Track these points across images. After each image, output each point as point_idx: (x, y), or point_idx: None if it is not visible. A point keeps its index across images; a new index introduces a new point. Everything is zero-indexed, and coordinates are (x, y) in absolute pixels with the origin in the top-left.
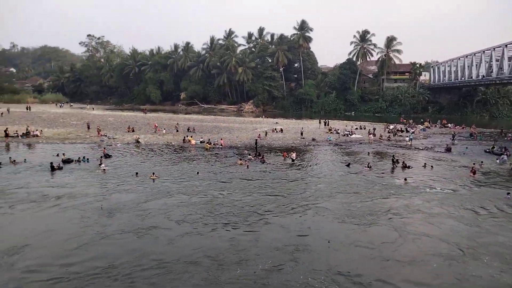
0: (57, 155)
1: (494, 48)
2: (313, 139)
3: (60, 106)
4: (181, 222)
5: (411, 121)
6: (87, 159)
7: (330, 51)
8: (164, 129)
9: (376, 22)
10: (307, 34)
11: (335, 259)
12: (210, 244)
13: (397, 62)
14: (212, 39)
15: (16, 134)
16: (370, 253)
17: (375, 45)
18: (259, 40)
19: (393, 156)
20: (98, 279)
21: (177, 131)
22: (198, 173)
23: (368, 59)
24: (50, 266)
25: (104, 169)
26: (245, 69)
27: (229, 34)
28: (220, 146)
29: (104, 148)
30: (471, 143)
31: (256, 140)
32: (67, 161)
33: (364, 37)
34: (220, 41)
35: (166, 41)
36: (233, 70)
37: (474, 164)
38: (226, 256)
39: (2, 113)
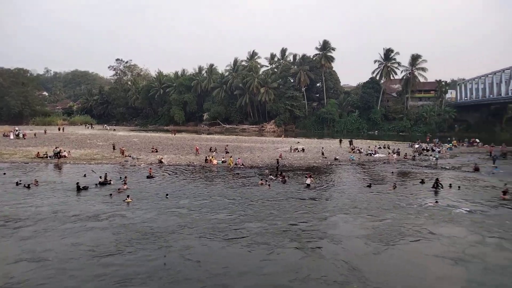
0: (84, 175)
1: None
2: (336, 159)
3: (88, 127)
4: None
5: (435, 140)
6: (120, 177)
7: (352, 70)
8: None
9: (400, 41)
10: (329, 53)
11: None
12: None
13: (422, 80)
14: (235, 61)
15: (45, 155)
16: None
17: (399, 63)
18: (282, 60)
19: (436, 179)
20: None
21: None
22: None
23: (392, 78)
24: None
25: (119, 189)
26: (267, 90)
27: (252, 55)
28: (241, 166)
29: (150, 168)
30: (500, 163)
31: (278, 159)
32: (104, 183)
33: (388, 55)
34: (243, 63)
35: (190, 64)
36: (255, 90)
37: (506, 184)
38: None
39: (35, 134)
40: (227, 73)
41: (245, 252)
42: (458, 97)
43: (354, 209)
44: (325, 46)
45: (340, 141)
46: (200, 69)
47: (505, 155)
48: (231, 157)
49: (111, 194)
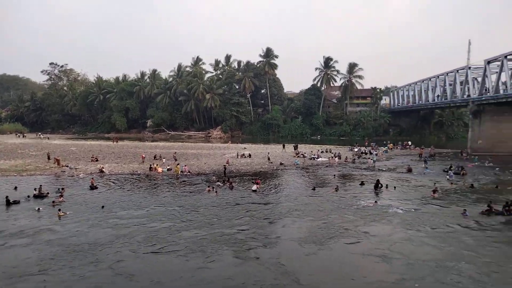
0: (15, 188)
1: (447, 73)
2: (281, 163)
3: (20, 136)
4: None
5: (373, 143)
6: (58, 188)
7: (295, 77)
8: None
9: (339, 50)
10: (272, 61)
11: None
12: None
13: (359, 87)
14: (179, 66)
15: None
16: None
17: (338, 71)
18: (226, 67)
19: (377, 180)
20: None
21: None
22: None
23: (332, 85)
24: None
25: (53, 202)
26: (212, 96)
27: (197, 61)
28: (187, 173)
29: (93, 178)
30: (430, 163)
31: (225, 166)
32: (39, 196)
33: (327, 63)
34: (188, 68)
35: (132, 69)
36: (200, 96)
37: (435, 183)
38: None
39: None
40: (171, 79)
41: (180, 262)
42: (392, 103)
43: (297, 212)
44: (268, 54)
45: (283, 146)
46: (143, 74)
47: (434, 156)
48: (178, 164)
49: (38, 209)
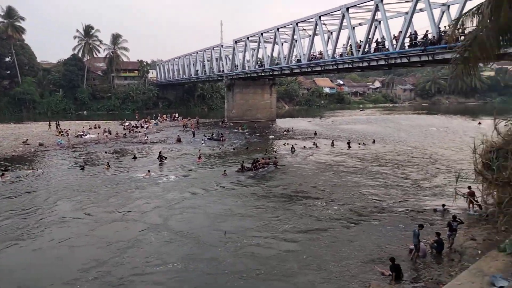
0: None
1: (204, 50)
2: (41, 144)
3: None
4: None
5: (148, 117)
6: None
7: (52, 45)
8: None
9: (101, 18)
10: (17, 23)
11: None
12: None
13: (125, 59)
14: None
15: None
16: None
17: (101, 41)
18: None
19: (160, 152)
20: None
21: None
22: None
23: (95, 56)
24: None
25: None
26: None
27: None
28: None
29: None
30: (196, 132)
31: None
32: None
33: (88, 32)
34: None
35: None
36: None
37: (199, 150)
38: None
39: None
40: None
41: None
42: (159, 77)
43: (45, 202)
44: (12, 14)
45: (49, 124)
46: None
47: (198, 125)
48: None
49: None
